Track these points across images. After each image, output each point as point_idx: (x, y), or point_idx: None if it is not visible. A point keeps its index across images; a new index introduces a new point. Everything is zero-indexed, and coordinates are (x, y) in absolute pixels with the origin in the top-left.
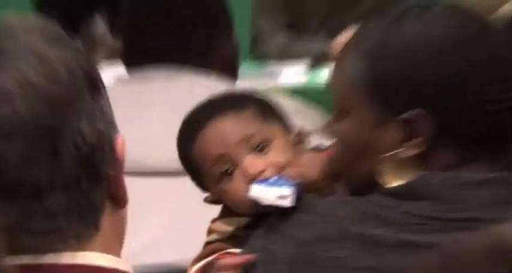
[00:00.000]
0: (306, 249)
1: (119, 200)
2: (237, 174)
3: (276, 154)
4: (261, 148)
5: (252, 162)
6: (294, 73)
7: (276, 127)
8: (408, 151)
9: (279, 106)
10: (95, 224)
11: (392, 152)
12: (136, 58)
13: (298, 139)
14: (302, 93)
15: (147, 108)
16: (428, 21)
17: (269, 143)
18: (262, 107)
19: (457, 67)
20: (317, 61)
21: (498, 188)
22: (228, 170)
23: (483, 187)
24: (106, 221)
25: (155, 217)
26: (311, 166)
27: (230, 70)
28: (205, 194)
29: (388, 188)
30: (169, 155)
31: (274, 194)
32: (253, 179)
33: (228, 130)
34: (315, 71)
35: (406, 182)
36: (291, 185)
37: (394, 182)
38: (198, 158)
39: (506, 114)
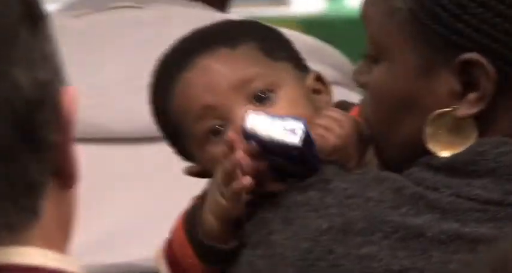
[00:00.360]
0: (321, 244)
1: (67, 177)
2: (231, 131)
3: (284, 106)
4: (263, 97)
5: (249, 113)
6: None
7: (285, 69)
8: (465, 108)
9: (290, 42)
10: (34, 210)
11: (443, 110)
12: None
13: (316, 88)
14: (320, 26)
15: (104, 49)
16: None
17: (275, 90)
18: (265, 41)
19: None
20: None
21: None
22: (217, 127)
23: None
24: (49, 205)
25: (115, 201)
26: (333, 126)
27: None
28: (187, 166)
29: (435, 162)
30: (134, 114)
31: (278, 125)
32: None
33: (217, 72)
34: None
35: (459, 153)
36: (302, 123)
37: (445, 151)
38: (178, 112)
39: None
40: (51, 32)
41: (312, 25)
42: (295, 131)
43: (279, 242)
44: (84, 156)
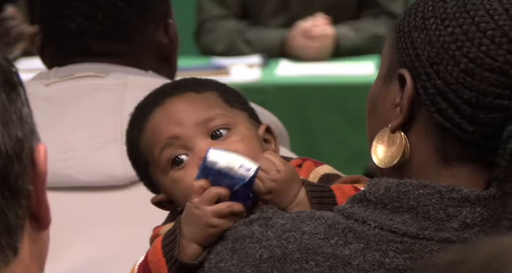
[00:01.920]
0: (262, 271)
1: (41, 220)
2: (190, 161)
3: (237, 142)
4: (220, 133)
5: (208, 146)
6: (246, 68)
7: (241, 115)
8: (395, 119)
9: (246, 99)
10: (14, 248)
11: (386, 118)
12: (55, 48)
13: (266, 138)
14: (255, 91)
15: (71, 112)
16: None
17: (231, 129)
18: (225, 92)
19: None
20: (274, 53)
21: (482, 207)
22: (180, 156)
23: (467, 205)
24: (26, 244)
25: (83, 241)
26: (270, 170)
27: (167, 66)
28: (145, 208)
29: (369, 195)
30: (98, 166)
31: (235, 159)
32: None
33: (184, 110)
34: (271, 65)
35: (388, 190)
36: (257, 166)
37: (381, 160)
38: (148, 143)
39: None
40: (26, 97)
41: (249, 90)
42: (250, 169)
43: (227, 269)
44: (56, 203)
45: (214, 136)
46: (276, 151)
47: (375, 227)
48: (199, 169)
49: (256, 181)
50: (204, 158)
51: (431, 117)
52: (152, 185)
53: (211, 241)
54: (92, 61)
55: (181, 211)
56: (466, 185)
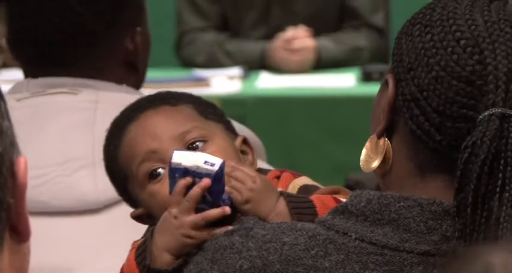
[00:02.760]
0: None
1: (21, 232)
2: (167, 173)
3: (214, 153)
4: (197, 146)
5: None
6: (227, 80)
7: (217, 127)
8: (379, 124)
9: (222, 112)
10: None
11: (377, 123)
12: (27, 58)
13: (243, 149)
14: (236, 103)
15: (43, 132)
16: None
17: (207, 141)
18: (200, 105)
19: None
20: (254, 65)
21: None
22: (157, 169)
23: (448, 218)
24: (5, 256)
25: (57, 264)
26: (246, 180)
27: (134, 74)
28: (118, 231)
29: (351, 207)
30: (71, 192)
31: (200, 156)
32: None
33: (160, 123)
34: (252, 77)
35: (369, 202)
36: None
37: (362, 162)
38: (126, 157)
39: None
40: (6, 109)
41: (229, 102)
42: (215, 164)
43: None
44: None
45: (191, 148)
46: (254, 162)
47: (356, 238)
48: (168, 175)
49: (233, 191)
50: (169, 161)
51: (406, 123)
52: (131, 200)
53: (185, 252)
54: (60, 70)
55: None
56: (440, 198)
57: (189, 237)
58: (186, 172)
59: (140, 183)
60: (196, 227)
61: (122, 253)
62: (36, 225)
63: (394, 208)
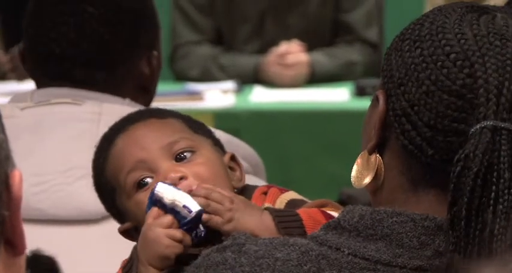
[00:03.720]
0: None
1: (16, 245)
2: (154, 182)
3: (201, 164)
4: (184, 156)
5: (171, 167)
6: (220, 93)
7: (205, 141)
8: (370, 141)
9: (210, 130)
10: None
11: (368, 139)
12: (36, 69)
13: (231, 166)
14: (230, 117)
15: (45, 141)
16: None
17: (195, 152)
18: (190, 121)
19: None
20: (248, 79)
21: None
22: (144, 179)
23: (441, 234)
24: (0, 270)
25: None
26: (225, 202)
27: (145, 95)
28: (116, 242)
29: (343, 223)
30: (70, 201)
31: (181, 198)
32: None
33: (148, 134)
34: (246, 91)
35: (362, 218)
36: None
37: (353, 179)
38: (114, 168)
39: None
40: (2, 123)
41: (222, 116)
42: (191, 211)
43: None
44: (27, 235)
45: (179, 158)
46: (242, 178)
47: (349, 254)
48: (148, 199)
49: (214, 217)
50: (152, 190)
51: (397, 138)
52: (119, 214)
53: (167, 265)
54: (69, 86)
55: None
56: (432, 212)
57: (166, 247)
58: (164, 206)
59: (128, 193)
60: (172, 238)
61: (119, 264)
62: (34, 233)
63: (387, 223)
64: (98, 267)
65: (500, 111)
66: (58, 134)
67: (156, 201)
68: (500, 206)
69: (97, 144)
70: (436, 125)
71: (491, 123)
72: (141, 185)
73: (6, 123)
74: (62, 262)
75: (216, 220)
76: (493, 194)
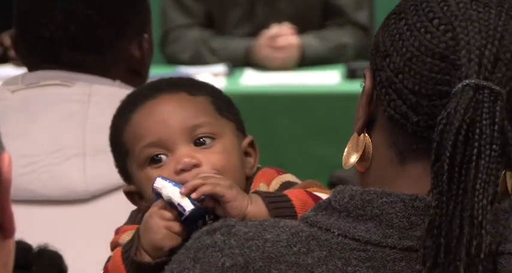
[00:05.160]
0: None
1: (5, 229)
2: (168, 162)
3: (219, 153)
4: (204, 141)
5: (188, 153)
6: (211, 76)
7: (228, 125)
8: (358, 121)
9: (237, 109)
10: None
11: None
12: (27, 53)
13: (248, 151)
14: None
15: (35, 122)
16: None
17: (215, 138)
18: (218, 99)
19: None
20: (239, 62)
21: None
22: (159, 155)
23: (428, 214)
24: None
25: None
26: (221, 182)
27: (137, 78)
28: (106, 222)
29: (334, 203)
30: (60, 181)
31: (175, 196)
32: (182, 170)
33: (173, 112)
34: (236, 74)
35: (352, 198)
36: (196, 204)
37: (343, 160)
38: (132, 135)
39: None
40: None
41: None
42: (185, 210)
43: None
44: (17, 216)
45: (198, 143)
46: (255, 165)
47: (339, 235)
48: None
49: (217, 187)
50: (152, 183)
51: (384, 111)
52: (126, 175)
53: (161, 255)
54: (59, 69)
55: (143, 212)
56: (422, 187)
57: (163, 237)
58: (163, 200)
59: (139, 164)
60: (171, 230)
61: (109, 243)
62: (24, 214)
63: (377, 203)
64: (87, 246)
65: (482, 71)
66: (47, 115)
67: (156, 194)
68: (483, 162)
69: (123, 101)
70: (420, 90)
71: (473, 81)
72: (154, 160)
73: None
74: (51, 242)
75: (219, 189)
76: (475, 150)
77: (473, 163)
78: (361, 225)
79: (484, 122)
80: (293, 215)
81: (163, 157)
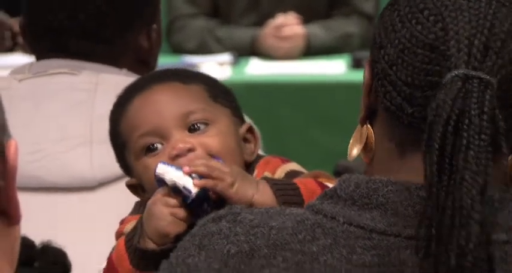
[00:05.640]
0: (229, 266)
1: (11, 216)
2: (163, 150)
3: (213, 136)
4: (198, 127)
5: (182, 138)
6: (216, 66)
7: (223, 111)
8: (361, 112)
9: (233, 96)
10: None
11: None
12: (35, 41)
13: (247, 137)
14: None
15: (42, 110)
16: None
17: (209, 124)
18: (212, 87)
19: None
20: (244, 52)
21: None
22: (154, 144)
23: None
24: None
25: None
26: (219, 166)
27: (145, 68)
28: (113, 209)
29: (340, 192)
30: (66, 169)
31: (179, 179)
32: (177, 156)
33: (167, 100)
34: (242, 63)
35: (358, 187)
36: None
37: (349, 152)
38: (128, 125)
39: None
40: None
41: None
42: (190, 192)
43: (194, 265)
44: (24, 203)
45: (192, 129)
46: (255, 151)
47: (344, 223)
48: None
49: (219, 183)
50: (154, 170)
51: (382, 102)
52: (125, 167)
53: (166, 242)
54: (67, 58)
55: (145, 202)
56: (421, 179)
57: (168, 224)
58: (167, 185)
59: (136, 154)
60: (176, 216)
61: (115, 231)
62: (30, 201)
63: (382, 192)
64: (93, 234)
65: (472, 61)
66: (55, 103)
67: (159, 180)
68: (471, 152)
69: (119, 95)
70: (413, 81)
71: (462, 72)
72: (150, 149)
73: (3, 94)
74: (58, 229)
75: (221, 184)
76: (464, 140)
77: (462, 154)
78: (366, 213)
79: (473, 112)
80: (300, 203)
81: (159, 145)
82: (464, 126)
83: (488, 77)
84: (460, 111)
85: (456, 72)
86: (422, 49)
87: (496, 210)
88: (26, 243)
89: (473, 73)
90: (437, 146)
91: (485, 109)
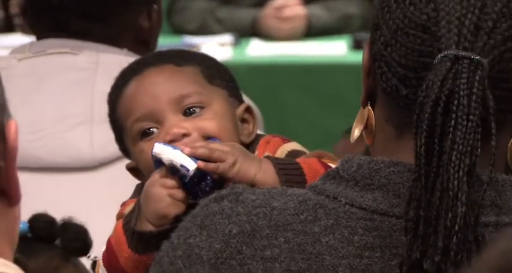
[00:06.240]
0: (231, 246)
1: (11, 196)
2: (158, 134)
3: (209, 119)
4: (193, 111)
5: (176, 123)
6: (217, 46)
7: (219, 93)
8: (362, 94)
9: (231, 75)
10: None
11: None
12: (35, 20)
13: (244, 117)
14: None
15: (42, 90)
16: None
17: (204, 107)
18: (208, 68)
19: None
20: (245, 32)
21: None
22: (150, 128)
23: None
24: None
25: None
26: (221, 146)
27: (145, 48)
28: (113, 189)
29: (342, 172)
30: (66, 148)
31: (177, 157)
32: (171, 142)
33: (160, 84)
34: (243, 44)
35: (360, 167)
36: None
37: (351, 135)
38: (124, 110)
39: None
40: None
41: None
42: (188, 170)
43: (195, 244)
44: (24, 183)
45: (187, 113)
46: (253, 132)
47: (346, 203)
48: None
49: (220, 164)
50: (151, 151)
51: (378, 84)
52: (125, 151)
53: (164, 223)
54: (67, 37)
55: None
56: None
57: (167, 205)
58: (164, 165)
59: (132, 139)
60: (174, 197)
61: (115, 211)
62: (31, 181)
63: (384, 173)
64: (94, 214)
65: (462, 41)
66: (55, 83)
67: (157, 161)
68: (459, 133)
69: (115, 79)
70: (407, 62)
71: (452, 52)
72: (146, 134)
73: (3, 73)
74: (59, 209)
75: (223, 165)
76: (452, 121)
77: (450, 134)
78: (368, 194)
79: (462, 93)
80: (303, 183)
81: (154, 130)
82: (453, 107)
83: (478, 57)
84: (449, 91)
85: (446, 53)
86: (414, 30)
87: (499, 193)
88: (47, 220)
89: (463, 54)
90: (425, 127)
91: (475, 90)
